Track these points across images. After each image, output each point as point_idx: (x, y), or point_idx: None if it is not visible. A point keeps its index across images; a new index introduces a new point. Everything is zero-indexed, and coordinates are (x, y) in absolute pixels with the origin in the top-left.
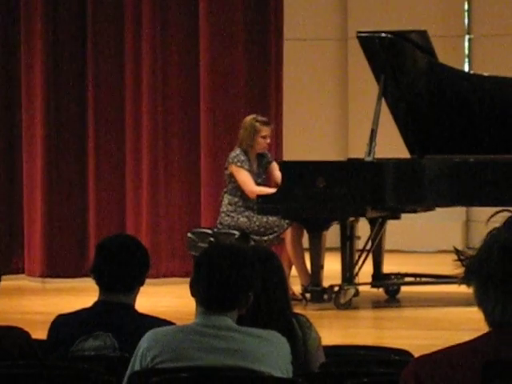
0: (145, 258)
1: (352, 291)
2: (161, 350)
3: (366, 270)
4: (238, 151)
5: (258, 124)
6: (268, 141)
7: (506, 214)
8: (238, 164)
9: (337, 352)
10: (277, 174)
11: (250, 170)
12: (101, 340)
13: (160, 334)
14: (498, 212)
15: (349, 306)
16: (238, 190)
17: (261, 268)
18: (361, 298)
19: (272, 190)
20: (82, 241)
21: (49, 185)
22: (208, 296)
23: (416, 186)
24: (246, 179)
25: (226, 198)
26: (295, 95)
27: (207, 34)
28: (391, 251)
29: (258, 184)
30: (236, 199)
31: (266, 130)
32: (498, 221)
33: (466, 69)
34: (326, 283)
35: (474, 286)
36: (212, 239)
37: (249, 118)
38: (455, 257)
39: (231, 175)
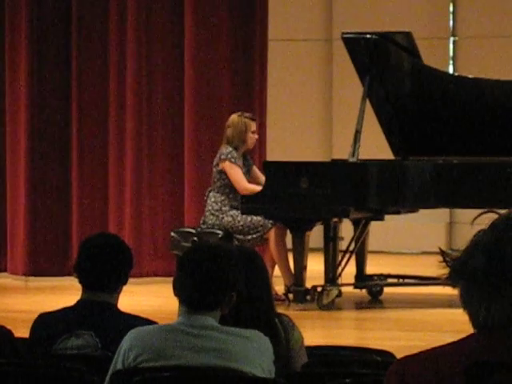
0: (128, 256)
1: (335, 292)
2: (143, 349)
3: (349, 271)
4: (230, 148)
5: (247, 120)
6: (257, 136)
7: (491, 216)
8: (232, 160)
9: (319, 352)
10: (261, 176)
11: (241, 168)
12: (83, 339)
13: (142, 333)
14: (482, 213)
15: (331, 306)
16: (227, 188)
17: (244, 268)
18: (344, 298)
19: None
20: (65, 239)
21: (32, 183)
22: (191, 295)
23: (400, 188)
24: (239, 176)
25: (213, 196)
26: (279, 96)
27: (192, 33)
28: (374, 252)
29: None
30: (223, 197)
31: (254, 125)
32: (484, 223)
33: (451, 71)
34: (308, 284)
35: (458, 287)
36: (195, 239)
37: (236, 116)
38: (440, 258)
39: (222, 172)
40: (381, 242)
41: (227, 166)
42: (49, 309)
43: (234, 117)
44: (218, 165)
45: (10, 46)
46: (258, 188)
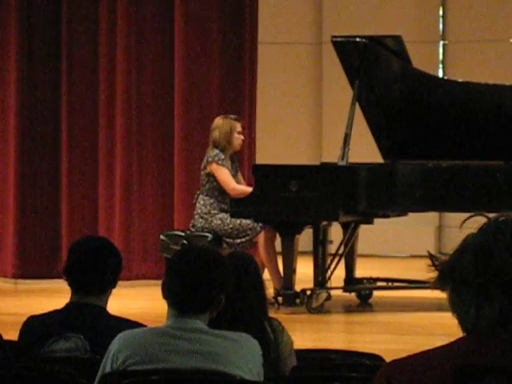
0: (117, 260)
1: (324, 295)
2: (132, 352)
3: (338, 275)
4: (216, 151)
5: (232, 121)
6: (242, 137)
7: (480, 219)
8: (219, 162)
9: (308, 356)
10: (242, 182)
11: (229, 169)
12: (72, 341)
13: (131, 336)
14: (471, 216)
15: (321, 310)
16: (216, 191)
17: (237, 272)
18: (333, 302)
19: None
20: (55, 242)
21: (21, 186)
22: (180, 298)
23: (389, 191)
24: (227, 177)
25: (202, 199)
26: (269, 99)
27: (182, 37)
28: (364, 256)
29: None
30: (212, 200)
31: (239, 126)
32: (473, 227)
33: (440, 74)
34: (298, 287)
35: (447, 291)
36: (184, 242)
37: (220, 118)
38: (428, 262)
39: (210, 174)
40: (370, 246)
41: (214, 169)
42: (38, 311)
43: (218, 119)
44: (205, 168)
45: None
46: (248, 189)
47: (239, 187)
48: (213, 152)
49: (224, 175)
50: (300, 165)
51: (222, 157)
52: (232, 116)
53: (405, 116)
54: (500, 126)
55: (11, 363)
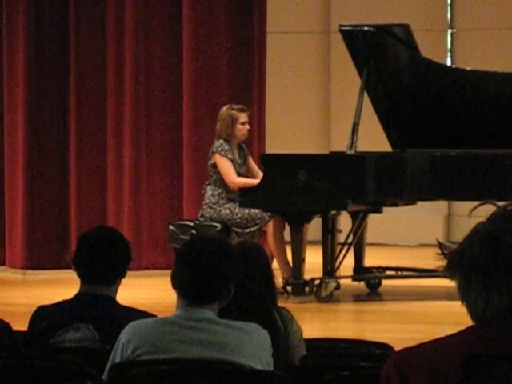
0: (126, 250)
1: (333, 284)
2: (141, 342)
3: (347, 264)
4: (221, 141)
5: (234, 111)
6: (247, 127)
7: (489, 207)
8: (222, 153)
9: (318, 345)
10: (256, 168)
11: (232, 160)
12: (81, 332)
13: (140, 327)
14: (480, 205)
15: (330, 299)
16: (223, 181)
17: (246, 262)
18: (342, 291)
19: (254, 181)
20: (64, 232)
21: (30, 177)
22: (189, 288)
23: (398, 180)
24: (228, 169)
25: (210, 190)
26: (278, 88)
27: (190, 27)
28: (373, 245)
29: (240, 175)
30: (220, 190)
31: (243, 117)
32: (482, 215)
33: (449, 63)
34: (307, 276)
35: (456, 279)
36: (193, 231)
37: (224, 108)
38: (437, 250)
39: (215, 165)
40: (379, 235)
41: (217, 159)
42: (47, 302)
43: (222, 110)
44: (210, 158)
45: (7, 44)
46: (248, 181)
47: (238, 180)
48: (217, 142)
49: (225, 167)
50: (308, 154)
51: (226, 147)
52: (236, 106)
53: (413, 104)
54: (508, 114)
55: (21, 354)
